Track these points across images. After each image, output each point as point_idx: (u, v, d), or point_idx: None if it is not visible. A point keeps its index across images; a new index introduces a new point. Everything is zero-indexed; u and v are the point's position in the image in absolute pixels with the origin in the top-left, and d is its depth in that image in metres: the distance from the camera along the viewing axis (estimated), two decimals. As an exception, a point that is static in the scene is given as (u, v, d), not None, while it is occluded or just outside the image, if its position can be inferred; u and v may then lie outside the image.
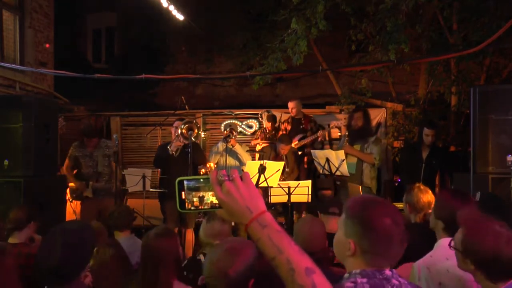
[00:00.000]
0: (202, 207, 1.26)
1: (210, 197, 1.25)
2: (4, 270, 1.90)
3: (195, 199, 1.25)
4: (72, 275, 2.12)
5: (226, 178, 1.16)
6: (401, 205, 4.92)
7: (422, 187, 3.18)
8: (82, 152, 5.86)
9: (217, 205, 1.21)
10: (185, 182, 1.24)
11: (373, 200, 1.52)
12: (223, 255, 1.94)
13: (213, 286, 1.93)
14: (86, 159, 5.85)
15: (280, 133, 7.05)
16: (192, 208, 1.25)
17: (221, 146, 6.27)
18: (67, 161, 5.89)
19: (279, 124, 7.48)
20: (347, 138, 5.95)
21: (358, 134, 5.93)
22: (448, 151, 7.12)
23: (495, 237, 1.77)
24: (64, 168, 5.86)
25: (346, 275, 1.47)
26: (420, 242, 2.46)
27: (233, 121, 8.52)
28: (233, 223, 5.77)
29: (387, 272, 1.44)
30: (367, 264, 1.45)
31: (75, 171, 5.84)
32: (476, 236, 1.80)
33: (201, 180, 1.25)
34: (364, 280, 1.41)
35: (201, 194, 1.25)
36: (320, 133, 6.84)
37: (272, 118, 7.45)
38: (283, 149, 6.21)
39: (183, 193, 1.24)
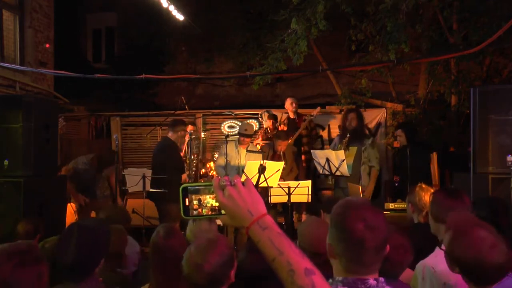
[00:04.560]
0: (202, 211, 1.28)
1: (210, 201, 1.27)
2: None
3: (195, 202, 1.27)
4: (87, 272, 2.16)
5: (228, 183, 1.19)
6: (400, 205, 4.94)
7: (424, 186, 3.17)
8: None
9: (217, 207, 1.24)
10: (189, 188, 1.27)
11: (352, 204, 1.49)
12: (197, 250, 1.97)
13: (194, 283, 1.95)
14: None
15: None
16: (195, 213, 1.28)
17: (223, 147, 6.25)
18: None
19: (279, 124, 7.52)
20: (346, 140, 5.91)
21: (353, 135, 5.93)
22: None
23: (479, 243, 1.75)
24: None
25: (330, 280, 1.46)
26: (423, 242, 2.46)
27: (234, 121, 8.51)
28: (220, 223, 5.79)
29: (371, 281, 1.41)
30: (346, 270, 1.43)
31: None
32: (460, 241, 1.79)
33: (203, 186, 1.28)
34: None
35: (200, 196, 1.27)
36: (307, 121, 7.07)
37: (273, 117, 7.48)
38: (280, 145, 6.18)
39: (186, 199, 1.27)
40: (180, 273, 2.33)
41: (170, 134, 5.96)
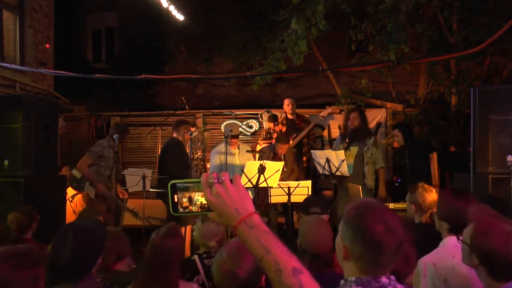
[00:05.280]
0: (192, 208, 1.27)
1: (200, 198, 1.26)
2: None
3: (184, 200, 1.27)
4: (84, 271, 2.16)
5: (216, 181, 1.18)
6: (400, 205, 4.94)
7: (426, 186, 3.16)
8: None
9: (206, 205, 1.23)
10: (177, 185, 1.26)
11: (370, 205, 1.49)
12: (229, 256, 1.95)
13: None
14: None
15: (276, 135, 7.07)
16: (184, 210, 1.27)
17: (220, 147, 6.26)
18: None
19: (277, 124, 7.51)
20: (345, 144, 5.91)
21: (355, 135, 5.92)
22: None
23: (506, 236, 1.77)
24: None
25: (342, 281, 1.46)
26: (425, 242, 2.46)
27: (234, 121, 8.50)
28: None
29: (384, 279, 1.42)
30: (361, 271, 1.43)
31: None
32: (487, 233, 1.80)
33: (192, 183, 1.27)
34: None
35: (190, 194, 1.27)
36: (311, 125, 7.09)
37: (273, 119, 7.47)
38: (281, 148, 6.19)
39: (175, 196, 1.26)
40: (170, 275, 2.34)
41: (175, 135, 6.01)
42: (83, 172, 5.69)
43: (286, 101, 7.30)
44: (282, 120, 7.34)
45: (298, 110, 7.47)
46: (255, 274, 1.94)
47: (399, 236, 1.43)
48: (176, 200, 1.26)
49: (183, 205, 1.27)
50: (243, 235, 1.15)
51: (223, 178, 1.18)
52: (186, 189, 1.27)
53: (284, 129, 7.17)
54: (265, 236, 1.14)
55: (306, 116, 7.51)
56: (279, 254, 1.12)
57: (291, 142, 6.78)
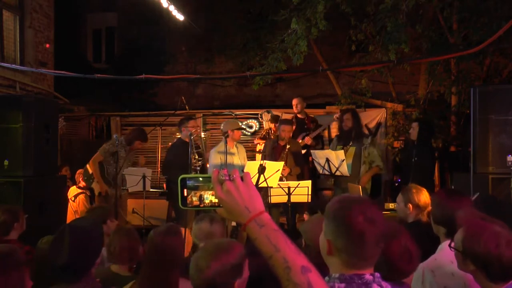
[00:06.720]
0: (202, 206, 1.28)
1: (210, 197, 1.27)
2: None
3: (194, 198, 1.27)
4: (82, 272, 2.16)
5: (227, 178, 1.18)
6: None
7: (417, 186, 3.22)
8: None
9: (216, 204, 1.23)
10: (187, 180, 1.27)
11: (351, 199, 1.52)
12: (201, 254, 1.99)
13: (195, 285, 1.96)
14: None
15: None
16: (193, 205, 1.27)
17: (219, 147, 6.22)
18: None
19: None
20: (348, 147, 5.86)
21: (348, 136, 5.91)
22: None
23: (496, 238, 1.76)
24: None
25: (326, 278, 1.45)
26: (421, 241, 2.44)
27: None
28: (234, 224, 5.77)
29: (367, 276, 1.42)
30: (344, 266, 1.44)
31: None
32: (477, 236, 1.80)
33: (201, 179, 1.27)
34: (342, 285, 1.41)
35: (200, 193, 1.27)
36: (321, 128, 6.98)
37: (275, 119, 7.44)
38: (285, 130, 6.00)
39: (185, 190, 1.26)
40: (171, 274, 2.34)
41: (178, 134, 6.04)
42: (92, 168, 5.85)
43: (293, 101, 7.23)
44: (292, 119, 7.30)
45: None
46: (222, 277, 1.90)
47: (380, 227, 1.44)
48: (185, 194, 1.26)
49: (194, 203, 1.28)
50: (253, 233, 1.15)
51: (234, 176, 1.18)
52: (197, 188, 1.27)
53: (294, 128, 7.13)
54: (274, 234, 1.14)
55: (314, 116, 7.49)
56: (288, 252, 1.12)
57: (299, 141, 6.78)
